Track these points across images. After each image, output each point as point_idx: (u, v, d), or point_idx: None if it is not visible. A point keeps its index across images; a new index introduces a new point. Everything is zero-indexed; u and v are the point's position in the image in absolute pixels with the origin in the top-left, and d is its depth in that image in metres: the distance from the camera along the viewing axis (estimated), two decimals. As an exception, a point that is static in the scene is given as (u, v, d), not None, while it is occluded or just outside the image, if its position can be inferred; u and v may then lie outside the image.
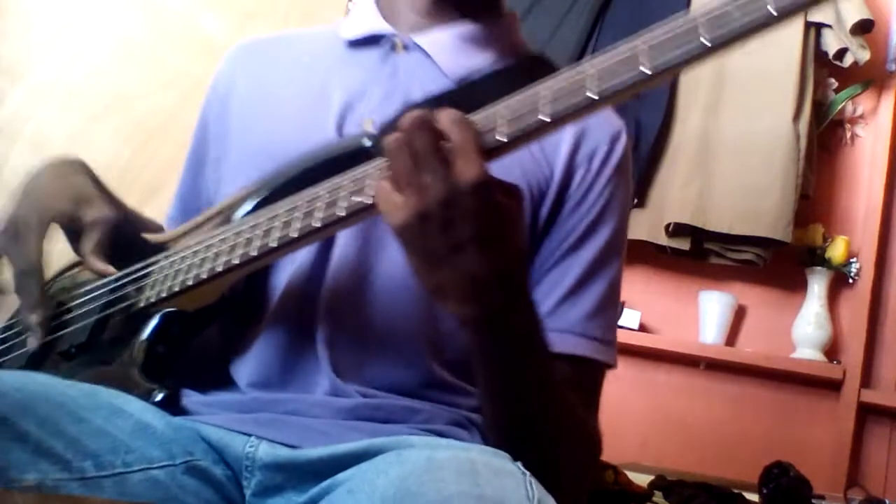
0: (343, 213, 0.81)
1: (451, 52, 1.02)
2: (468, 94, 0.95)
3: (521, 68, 1.01)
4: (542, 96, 0.75)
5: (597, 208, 1.00)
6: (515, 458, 0.84)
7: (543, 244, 0.99)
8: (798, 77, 2.45)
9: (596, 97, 0.72)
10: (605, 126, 1.02)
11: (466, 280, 0.77)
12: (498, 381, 0.86)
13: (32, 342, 0.97)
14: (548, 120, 0.74)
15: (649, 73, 0.69)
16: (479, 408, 0.95)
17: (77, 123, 2.37)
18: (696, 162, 2.49)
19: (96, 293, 0.99)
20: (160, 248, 0.99)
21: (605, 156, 1.01)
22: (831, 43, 2.50)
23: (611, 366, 1.00)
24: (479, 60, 1.03)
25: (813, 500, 2.13)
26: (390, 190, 0.76)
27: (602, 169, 1.01)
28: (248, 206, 0.94)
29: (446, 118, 0.76)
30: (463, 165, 0.74)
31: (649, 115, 2.50)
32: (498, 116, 0.77)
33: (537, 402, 0.87)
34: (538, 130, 0.75)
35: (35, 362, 0.98)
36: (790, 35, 2.48)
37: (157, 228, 1.10)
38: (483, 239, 0.75)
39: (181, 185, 1.15)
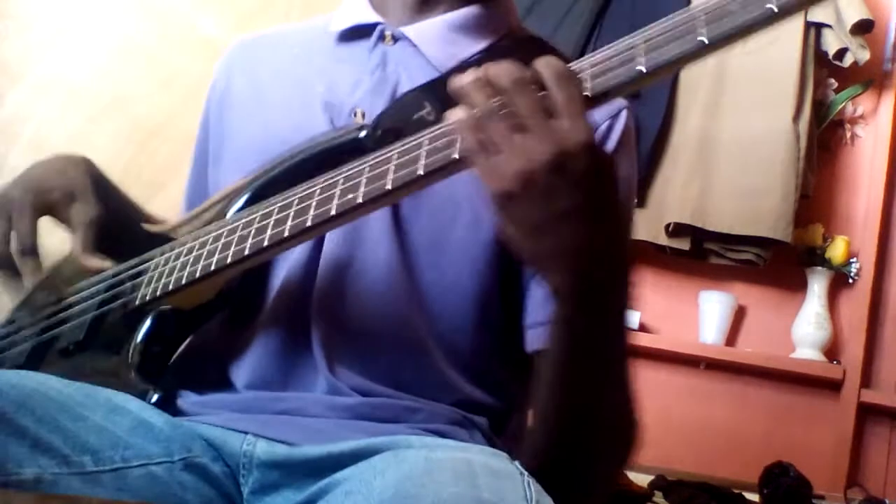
0: (334, 212, 0.80)
1: (439, 42, 1.00)
2: None
3: (513, 49, 0.96)
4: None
5: None
6: (555, 443, 0.82)
7: None
8: (798, 77, 2.45)
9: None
10: (604, 106, 0.98)
11: (570, 251, 0.73)
12: (571, 357, 0.81)
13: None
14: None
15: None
16: (479, 407, 0.93)
17: (77, 123, 2.37)
18: (696, 162, 2.49)
19: (93, 289, 0.99)
20: (158, 239, 0.99)
21: (603, 136, 0.96)
22: (831, 43, 2.50)
23: None
24: (470, 49, 1.00)
25: (813, 500, 2.13)
26: (484, 153, 0.71)
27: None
28: (242, 199, 0.94)
29: (548, 72, 0.70)
30: (570, 125, 0.69)
31: (649, 115, 2.50)
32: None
33: (606, 386, 0.83)
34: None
35: (35, 359, 0.98)
36: (790, 35, 2.48)
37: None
38: (592, 207, 0.71)
39: (188, 184, 1.15)
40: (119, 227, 1.02)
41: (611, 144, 0.95)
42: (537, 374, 0.86)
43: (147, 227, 1.04)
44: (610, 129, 0.96)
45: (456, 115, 0.74)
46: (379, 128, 0.92)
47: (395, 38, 1.01)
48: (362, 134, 0.92)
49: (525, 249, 0.75)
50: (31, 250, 0.98)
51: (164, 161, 2.30)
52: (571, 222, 0.71)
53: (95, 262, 0.98)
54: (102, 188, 1.03)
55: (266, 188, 0.93)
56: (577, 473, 0.83)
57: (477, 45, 1.00)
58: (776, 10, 0.65)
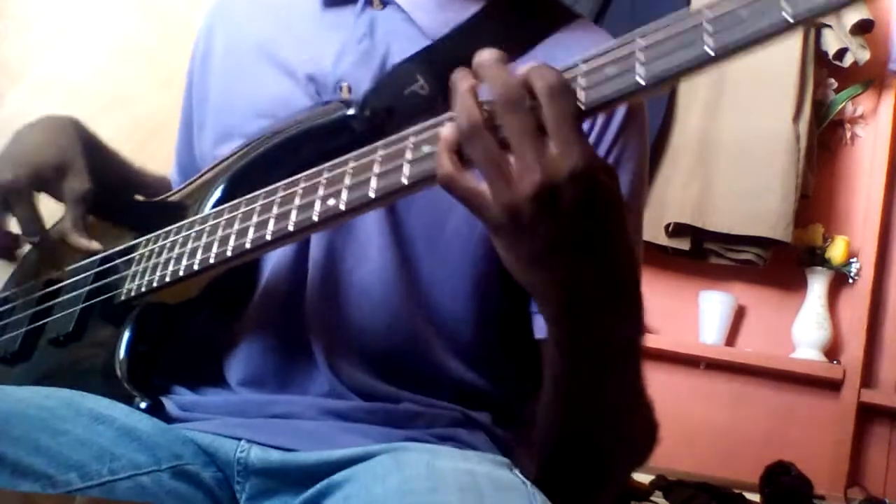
0: (316, 219, 0.76)
1: (430, 6, 0.93)
2: (452, 50, 0.89)
3: (512, 12, 0.91)
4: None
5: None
6: (555, 439, 0.81)
7: None
8: (798, 77, 2.45)
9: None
10: None
11: (559, 284, 0.68)
12: (563, 375, 0.78)
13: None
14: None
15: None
16: (483, 398, 0.92)
17: (77, 123, 2.37)
18: (696, 162, 2.49)
19: (82, 276, 0.97)
20: (150, 214, 0.97)
21: (605, 119, 0.90)
22: (831, 43, 2.50)
23: None
24: (465, 12, 0.93)
25: (814, 501, 2.13)
26: (464, 174, 0.65)
27: (604, 133, 0.93)
28: (223, 184, 0.92)
29: (540, 83, 0.62)
30: (561, 150, 0.62)
31: (649, 115, 2.50)
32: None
33: (606, 400, 0.79)
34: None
35: (28, 346, 0.97)
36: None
37: (164, 185, 1.09)
38: (586, 239, 0.66)
39: (177, 147, 1.13)
40: (111, 193, 0.99)
41: (615, 125, 0.91)
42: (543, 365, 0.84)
43: (140, 199, 1.02)
44: (614, 110, 0.90)
45: (444, 131, 0.67)
46: (369, 106, 0.88)
47: (384, 2, 0.95)
48: (350, 111, 0.87)
49: (518, 278, 0.70)
50: (43, 235, 0.95)
51: (164, 161, 2.29)
52: (560, 256, 0.66)
53: (85, 242, 0.96)
54: (93, 154, 1.01)
55: (250, 170, 0.90)
56: (578, 473, 0.83)
57: (472, 7, 0.93)
58: (791, 20, 0.59)
